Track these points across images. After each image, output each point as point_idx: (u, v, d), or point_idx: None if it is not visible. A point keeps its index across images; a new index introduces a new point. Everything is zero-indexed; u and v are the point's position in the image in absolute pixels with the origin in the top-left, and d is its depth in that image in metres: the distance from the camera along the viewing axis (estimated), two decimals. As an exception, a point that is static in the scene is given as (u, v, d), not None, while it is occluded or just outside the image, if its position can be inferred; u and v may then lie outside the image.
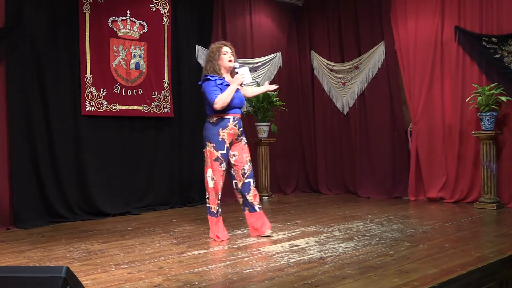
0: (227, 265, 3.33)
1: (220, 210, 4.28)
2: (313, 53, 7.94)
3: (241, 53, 7.32)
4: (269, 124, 7.18)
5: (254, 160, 7.34)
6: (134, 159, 6.10)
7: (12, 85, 5.12)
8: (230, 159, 4.29)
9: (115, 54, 5.94)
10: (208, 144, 4.22)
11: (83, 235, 4.62)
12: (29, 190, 5.19)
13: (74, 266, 3.38)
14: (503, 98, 5.59)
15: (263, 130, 7.14)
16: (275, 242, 4.06)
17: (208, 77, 4.21)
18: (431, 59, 6.43)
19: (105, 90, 5.83)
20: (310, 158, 8.05)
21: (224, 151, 4.20)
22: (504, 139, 5.83)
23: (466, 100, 5.98)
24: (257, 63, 7.45)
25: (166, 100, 6.38)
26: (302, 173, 8.13)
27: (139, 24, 6.18)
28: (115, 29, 5.95)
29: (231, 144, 4.27)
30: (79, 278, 1.98)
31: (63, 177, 5.46)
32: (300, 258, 3.44)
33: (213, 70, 4.24)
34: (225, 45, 4.35)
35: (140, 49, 6.16)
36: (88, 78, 5.71)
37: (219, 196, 4.25)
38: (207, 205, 4.27)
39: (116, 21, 5.96)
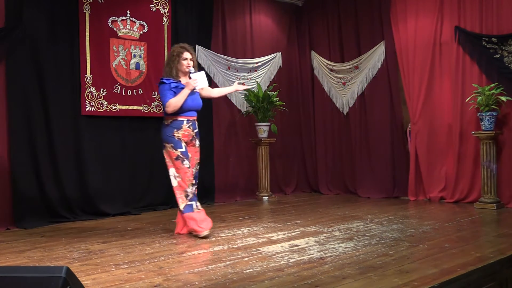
0: (227, 265, 3.33)
1: (197, 205, 4.37)
2: (313, 53, 7.94)
3: (241, 53, 7.34)
4: (269, 124, 7.18)
5: (254, 160, 7.43)
6: (134, 159, 6.10)
7: (12, 85, 5.12)
8: None
9: (115, 54, 5.94)
10: (166, 145, 4.37)
11: (83, 235, 4.62)
12: (29, 190, 5.19)
13: (74, 266, 3.38)
14: (503, 98, 5.59)
15: (263, 130, 7.14)
16: (275, 242, 4.06)
17: (164, 80, 4.38)
18: (431, 59, 6.43)
19: (105, 90, 5.82)
20: (310, 158, 8.05)
21: (183, 149, 4.37)
22: (504, 139, 5.83)
23: (466, 100, 5.98)
24: (257, 63, 7.45)
25: (166, 100, 6.37)
26: (302, 173, 8.13)
27: (139, 24, 6.18)
28: (115, 29, 5.95)
29: (186, 144, 4.42)
30: (79, 278, 1.98)
31: (63, 177, 5.45)
32: (300, 258, 3.44)
33: (170, 74, 4.39)
34: (187, 50, 4.47)
35: (140, 49, 6.16)
36: (88, 78, 5.71)
37: (189, 192, 4.33)
38: (178, 204, 4.39)
39: (116, 21, 5.96)
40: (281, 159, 7.85)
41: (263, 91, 7.19)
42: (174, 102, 4.28)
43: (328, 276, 2.96)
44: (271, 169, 7.33)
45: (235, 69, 7.21)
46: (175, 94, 4.31)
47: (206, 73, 6.74)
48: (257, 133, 7.19)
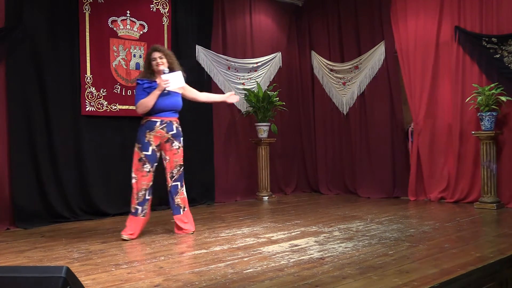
0: (227, 265, 3.33)
1: (143, 211, 4.37)
2: (313, 53, 7.94)
3: (241, 53, 7.34)
4: (269, 124, 7.18)
5: (254, 160, 7.43)
6: (134, 159, 6.09)
7: (12, 85, 5.12)
8: (163, 162, 4.49)
9: (115, 54, 5.94)
10: (136, 144, 4.40)
11: (83, 235, 4.62)
12: (29, 190, 5.19)
13: (74, 266, 3.38)
14: (503, 98, 5.59)
15: (263, 130, 7.14)
16: (275, 242, 4.06)
17: (138, 81, 4.44)
18: (431, 59, 6.42)
19: (105, 90, 5.83)
20: (310, 158, 8.05)
21: (149, 153, 4.35)
22: (504, 139, 5.83)
23: (466, 100, 5.98)
24: (257, 63, 7.45)
25: (166, 100, 6.37)
26: (302, 173, 8.13)
27: (139, 24, 6.18)
28: (115, 29, 5.95)
29: (159, 146, 4.41)
30: (79, 278, 1.98)
31: (63, 177, 5.46)
32: (300, 258, 3.44)
33: (145, 75, 4.45)
34: (155, 50, 4.47)
35: (140, 49, 6.16)
36: (88, 78, 5.71)
37: (141, 195, 4.36)
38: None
39: (116, 21, 5.96)
40: (281, 159, 7.85)
41: (263, 91, 7.19)
42: (143, 103, 4.31)
43: (328, 276, 2.96)
44: (271, 169, 7.33)
45: (235, 69, 7.21)
46: (149, 94, 4.31)
47: (205, 72, 6.76)
48: (257, 133, 7.19)
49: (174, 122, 4.47)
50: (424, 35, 6.50)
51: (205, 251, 3.81)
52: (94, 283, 2.96)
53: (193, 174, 6.64)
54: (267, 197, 7.12)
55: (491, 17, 5.88)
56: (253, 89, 7.23)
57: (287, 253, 3.63)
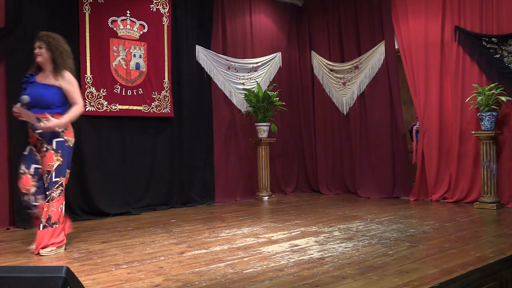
0: (227, 265, 3.33)
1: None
2: (313, 53, 7.94)
3: (241, 53, 7.34)
4: (269, 124, 7.18)
5: (254, 160, 7.43)
6: (134, 159, 6.10)
7: (12, 85, 5.11)
8: None
9: (115, 54, 5.94)
10: None
11: (83, 235, 4.62)
12: (29, 190, 5.18)
13: (74, 266, 3.38)
14: (503, 98, 5.59)
15: (263, 130, 7.14)
16: (275, 242, 4.06)
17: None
18: (434, 58, 6.42)
19: (105, 90, 5.82)
20: (310, 158, 8.05)
21: (26, 152, 3.91)
22: (504, 139, 5.83)
23: (466, 100, 5.98)
24: (257, 63, 7.45)
25: (166, 100, 6.38)
26: (302, 173, 8.13)
27: (139, 24, 6.18)
28: (115, 29, 5.95)
29: (36, 147, 3.90)
30: (79, 278, 1.98)
31: (63, 177, 5.45)
32: (300, 258, 3.44)
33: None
34: (36, 39, 3.92)
35: (140, 49, 6.16)
36: (88, 78, 5.71)
37: (25, 199, 3.87)
38: None
39: (116, 21, 5.96)
40: (281, 159, 7.85)
41: (263, 91, 7.19)
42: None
43: (328, 276, 2.96)
44: (271, 169, 7.33)
45: (235, 69, 7.21)
46: (25, 90, 3.86)
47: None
48: (257, 133, 7.19)
49: (43, 119, 3.75)
50: (424, 35, 6.50)
51: (205, 251, 3.81)
52: (94, 283, 2.96)
53: (193, 174, 6.65)
54: (267, 197, 7.12)
55: (491, 17, 5.88)
56: (253, 89, 7.23)
57: (287, 253, 3.63)
